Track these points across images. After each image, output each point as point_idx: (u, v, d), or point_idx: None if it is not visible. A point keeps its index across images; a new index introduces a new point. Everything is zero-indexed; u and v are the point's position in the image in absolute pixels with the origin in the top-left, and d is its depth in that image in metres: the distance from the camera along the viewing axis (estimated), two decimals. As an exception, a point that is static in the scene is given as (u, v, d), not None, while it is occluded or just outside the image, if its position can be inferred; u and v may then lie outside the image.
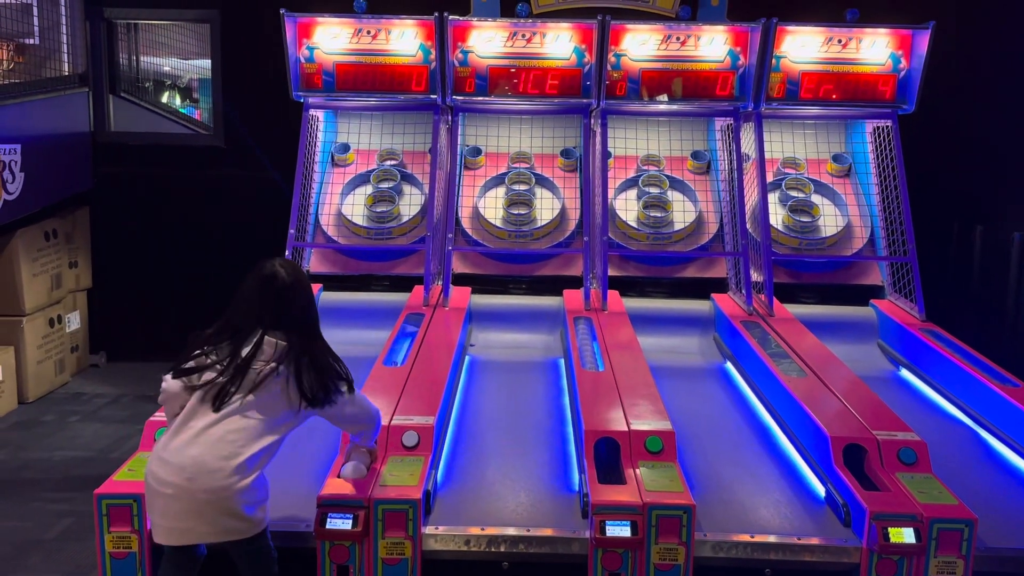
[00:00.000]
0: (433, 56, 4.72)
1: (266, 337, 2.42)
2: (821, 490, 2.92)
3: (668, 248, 4.84)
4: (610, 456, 2.89)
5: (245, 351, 2.40)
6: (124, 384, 5.47)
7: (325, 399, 2.47)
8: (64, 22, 5.46)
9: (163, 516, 2.38)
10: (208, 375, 2.41)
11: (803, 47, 4.71)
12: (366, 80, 4.79)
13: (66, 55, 5.49)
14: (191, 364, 2.43)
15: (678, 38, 4.72)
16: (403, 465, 2.77)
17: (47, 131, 5.22)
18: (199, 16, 5.72)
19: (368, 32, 4.73)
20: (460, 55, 4.74)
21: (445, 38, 4.65)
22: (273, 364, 2.40)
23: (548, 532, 2.67)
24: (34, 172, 4.96)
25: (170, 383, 2.45)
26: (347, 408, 2.56)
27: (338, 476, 2.69)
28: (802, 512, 2.84)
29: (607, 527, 2.52)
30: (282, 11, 4.64)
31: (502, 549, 2.66)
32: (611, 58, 4.70)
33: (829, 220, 4.86)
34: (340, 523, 2.52)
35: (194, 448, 2.35)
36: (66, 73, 5.49)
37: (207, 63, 6.51)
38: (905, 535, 2.52)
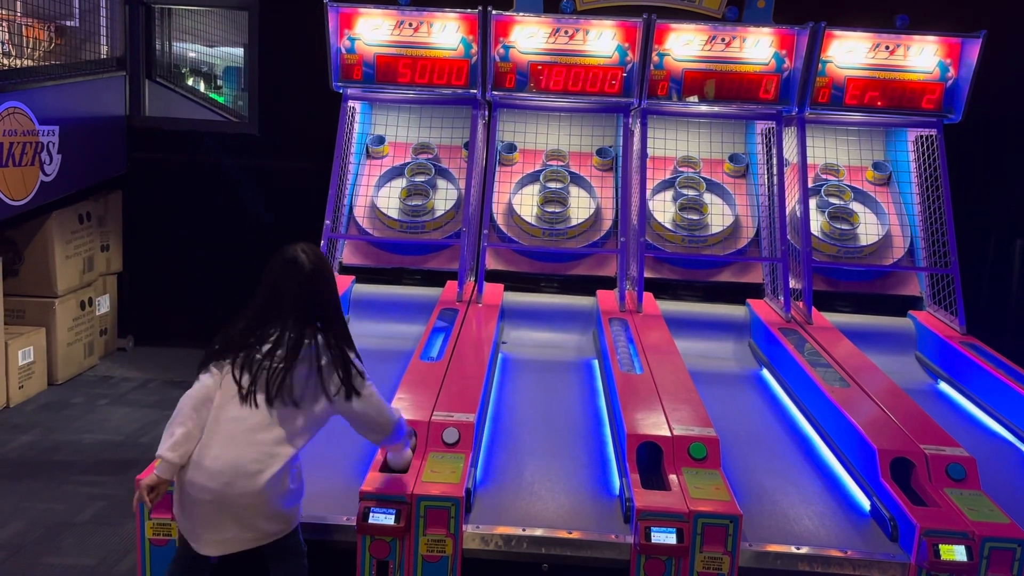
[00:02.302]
0: (474, 50, 4.69)
1: (296, 328, 2.37)
2: (866, 503, 2.87)
3: (704, 251, 4.80)
4: (651, 461, 2.85)
5: (276, 346, 2.35)
6: (151, 369, 5.48)
7: (353, 392, 2.41)
8: (103, 5, 5.47)
9: (204, 526, 2.33)
10: (238, 372, 2.36)
11: (850, 52, 4.65)
12: (406, 73, 4.76)
13: (104, 38, 5.50)
14: (220, 357, 2.39)
15: (723, 39, 4.67)
16: (444, 462, 2.74)
17: (84, 114, 5.23)
18: (238, 3, 5.71)
19: (410, 24, 4.71)
20: (501, 50, 4.70)
21: (487, 32, 4.61)
22: (306, 358, 2.36)
23: (590, 536, 2.63)
24: (71, 155, 4.97)
25: (204, 380, 2.39)
26: (368, 407, 2.46)
27: (379, 470, 2.66)
28: (847, 525, 2.79)
29: (652, 533, 2.48)
30: (325, 1, 4.62)
31: (542, 551, 2.62)
32: (654, 57, 4.65)
33: (868, 228, 4.80)
34: (383, 518, 2.49)
35: (230, 451, 2.31)
36: (104, 56, 5.50)
37: (232, 51, 6.53)
38: (956, 553, 2.47)
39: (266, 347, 2.36)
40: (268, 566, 2.46)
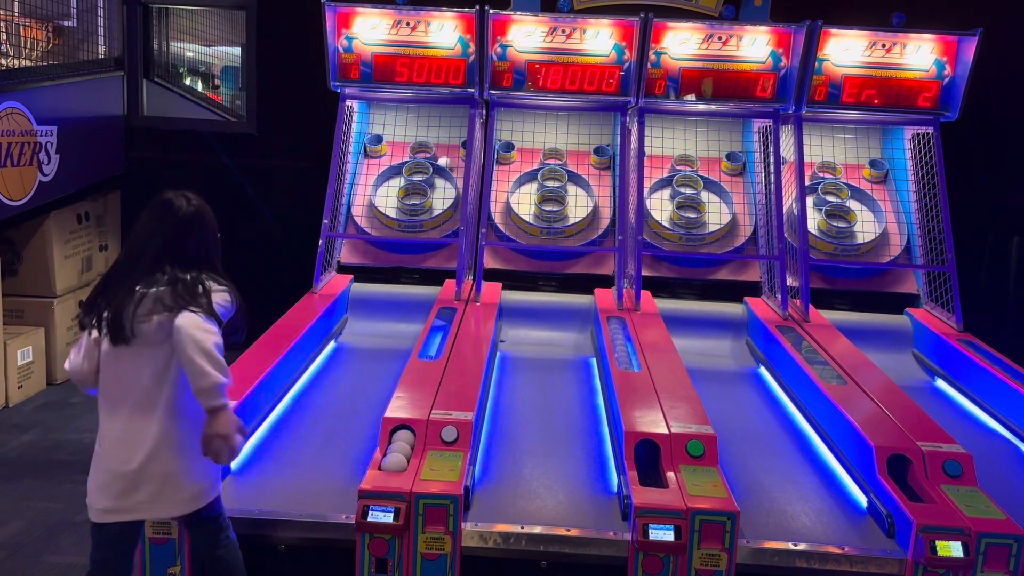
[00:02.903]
0: (471, 49, 4.70)
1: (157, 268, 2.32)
2: (863, 500, 2.88)
3: (701, 249, 4.81)
4: (648, 458, 2.87)
5: (124, 293, 2.30)
6: (150, 368, 5.47)
7: (174, 306, 2.29)
8: (101, 5, 5.48)
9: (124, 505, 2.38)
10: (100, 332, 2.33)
11: (846, 50, 4.66)
12: (403, 72, 4.77)
13: (102, 38, 5.50)
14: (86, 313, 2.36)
15: (720, 38, 4.67)
16: (443, 460, 2.75)
17: (82, 114, 5.23)
18: (236, 3, 5.71)
19: (407, 24, 4.71)
20: (499, 49, 4.71)
21: (484, 32, 4.62)
22: (152, 292, 2.31)
23: (588, 533, 2.64)
24: (69, 155, 4.97)
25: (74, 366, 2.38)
26: (190, 333, 2.25)
27: (378, 468, 2.67)
28: (844, 521, 2.80)
29: (650, 530, 2.50)
30: (323, 0, 4.62)
31: (541, 548, 2.64)
32: (651, 56, 4.66)
33: (865, 226, 4.81)
34: (382, 516, 2.51)
35: (129, 452, 2.34)
36: (102, 56, 5.51)
37: (230, 50, 6.52)
38: (953, 549, 2.49)
39: (115, 296, 2.32)
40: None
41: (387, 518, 2.51)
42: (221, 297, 2.38)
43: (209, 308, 2.32)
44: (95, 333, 2.36)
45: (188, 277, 2.35)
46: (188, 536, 2.55)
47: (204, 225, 2.45)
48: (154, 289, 2.32)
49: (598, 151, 5.13)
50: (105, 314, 2.32)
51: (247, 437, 2.65)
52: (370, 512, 2.52)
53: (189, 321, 2.26)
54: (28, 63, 4.88)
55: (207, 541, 2.48)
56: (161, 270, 2.34)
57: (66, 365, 2.43)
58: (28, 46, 4.94)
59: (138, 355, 2.34)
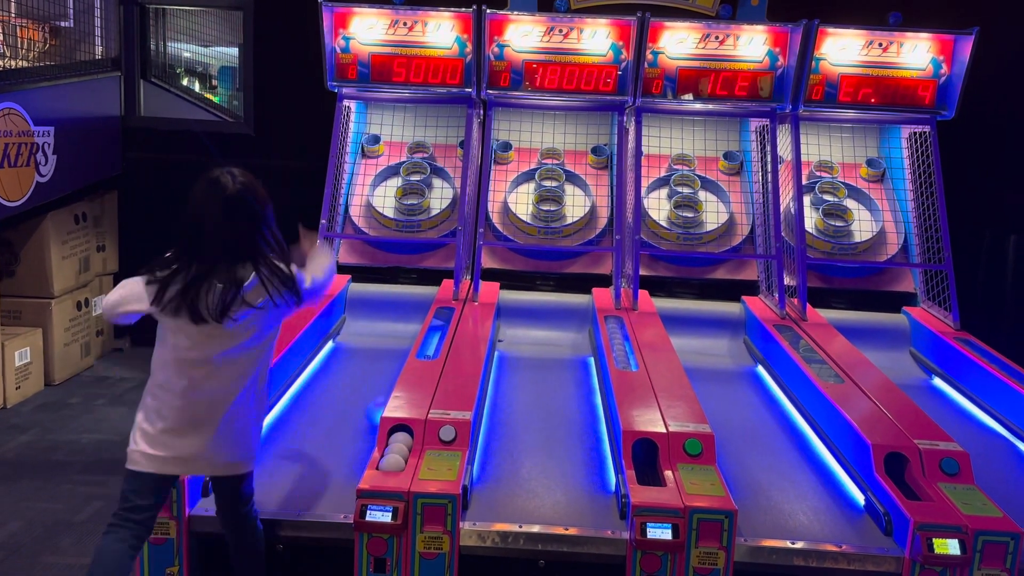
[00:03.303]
0: (469, 49, 4.70)
1: (231, 250, 2.37)
2: (860, 498, 2.89)
3: (699, 249, 4.81)
4: (646, 457, 2.87)
5: (207, 274, 2.34)
6: (147, 369, 5.42)
7: (291, 299, 2.44)
8: (98, 5, 5.47)
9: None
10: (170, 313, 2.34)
11: (843, 49, 4.67)
12: (401, 72, 4.77)
13: (99, 39, 5.49)
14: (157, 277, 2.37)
15: (717, 37, 4.68)
16: (441, 459, 2.75)
17: (79, 114, 5.22)
18: (233, 3, 5.71)
19: (404, 24, 4.72)
20: (496, 49, 4.72)
21: (482, 31, 4.62)
22: (233, 279, 2.35)
23: (586, 532, 2.65)
24: (66, 155, 4.97)
25: (135, 286, 2.38)
26: (314, 285, 2.52)
27: (376, 468, 2.68)
28: (841, 519, 2.81)
29: (648, 529, 2.50)
30: (320, 0, 4.62)
31: (539, 547, 2.64)
32: (648, 55, 4.66)
33: (863, 225, 4.82)
34: (380, 516, 2.51)
35: (198, 437, 2.38)
36: (99, 57, 5.50)
37: (227, 50, 6.51)
38: (950, 546, 2.49)
39: (196, 276, 2.35)
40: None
41: (385, 518, 2.51)
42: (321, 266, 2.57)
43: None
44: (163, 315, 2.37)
45: (265, 270, 2.40)
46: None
47: (257, 200, 2.46)
48: (240, 288, 2.35)
49: (595, 151, 5.13)
50: (185, 302, 2.33)
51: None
52: (368, 512, 2.52)
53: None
54: (25, 64, 4.87)
55: (234, 512, 2.53)
56: (233, 255, 2.37)
57: (113, 297, 2.41)
58: (25, 47, 4.93)
59: (224, 334, 2.37)
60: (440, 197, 4.93)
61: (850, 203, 4.92)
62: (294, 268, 2.48)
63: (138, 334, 5.91)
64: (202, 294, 2.33)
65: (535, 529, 2.65)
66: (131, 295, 2.39)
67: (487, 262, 4.80)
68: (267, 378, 2.52)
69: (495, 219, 4.88)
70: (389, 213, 4.86)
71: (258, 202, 2.43)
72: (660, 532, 2.50)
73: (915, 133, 4.87)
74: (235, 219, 2.38)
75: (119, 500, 2.39)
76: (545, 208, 4.84)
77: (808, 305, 4.46)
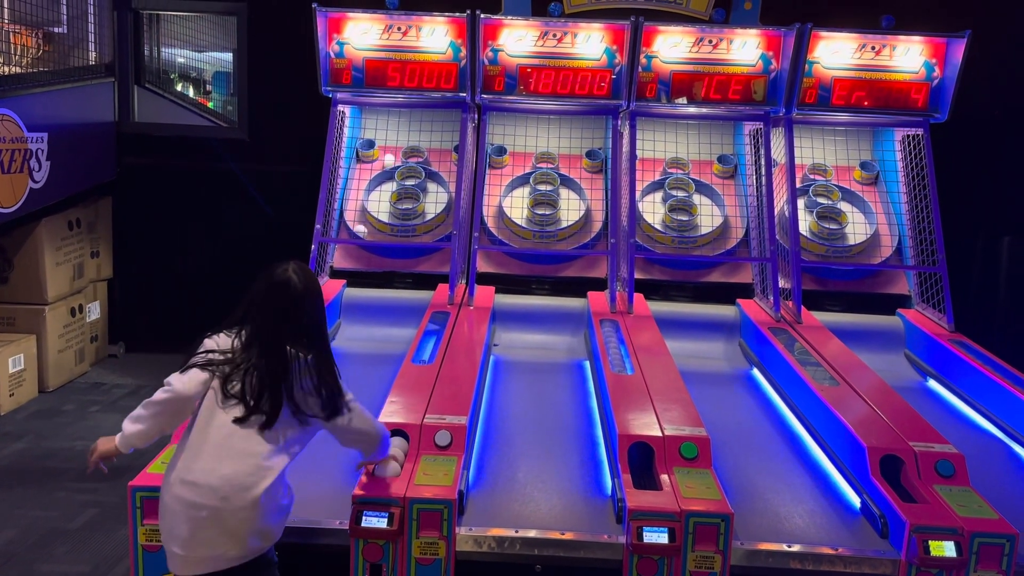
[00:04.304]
0: (463, 54, 4.71)
1: (288, 348, 2.35)
2: (856, 500, 2.89)
3: (693, 252, 4.82)
4: (642, 461, 2.87)
5: (266, 360, 2.33)
6: (142, 375, 5.47)
7: (336, 411, 2.41)
8: (92, 11, 5.46)
9: (189, 544, 2.27)
10: (228, 383, 2.33)
11: (836, 53, 4.68)
12: (395, 76, 4.78)
13: (93, 44, 5.48)
14: (211, 360, 2.36)
15: (710, 41, 4.69)
16: (436, 464, 2.75)
17: (73, 120, 5.22)
18: (226, 9, 5.71)
19: (399, 28, 4.72)
20: (490, 53, 4.72)
21: (476, 36, 4.63)
22: (295, 375, 2.34)
23: (583, 536, 2.64)
24: (60, 161, 4.96)
25: (185, 383, 2.34)
26: (354, 421, 2.46)
27: (372, 473, 2.67)
28: (837, 522, 2.81)
29: (644, 533, 2.50)
30: (314, 5, 4.63)
31: (535, 552, 2.64)
32: (642, 59, 4.67)
33: (857, 228, 4.83)
34: (376, 521, 2.50)
35: (223, 467, 2.27)
36: (92, 63, 5.49)
37: (221, 56, 6.51)
38: (946, 549, 2.50)
39: (256, 360, 2.34)
40: None
41: (381, 523, 2.50)
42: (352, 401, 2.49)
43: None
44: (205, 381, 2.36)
45: (322, 365, 2.38)
46: None
47: (319, 299, 2.46)
48: (292, 380, 2.34)
49: (590, 154, 5.14)
50: (242, 383, 2.32)
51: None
52: (364, 517, 2.51)
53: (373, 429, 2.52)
54: (18, 70, 4.87)
55: None
56: (287, 345, 2.36)
57: (176, 383, 2.36)
58: (18, 53, 4.92)
59: (263, 438, 2.33)
60: (435, 201, 4.93)
61: (844, 206, 4.93)
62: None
63: (132, 341, 5.91)
64: None
65: (531, 534, 2.65)
66: None
67: (482, 266, 4.79)
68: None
69: (490, 223, 4.88)
70: (384, 217, 4.86)
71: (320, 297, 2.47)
72: (656, 536, 2.50)
73: (908, 136, 4.89)
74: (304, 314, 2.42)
75: None
76: (540, 212, 4.85)
77: (803, 308, 4.46)
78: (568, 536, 2.64)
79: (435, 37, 4.72)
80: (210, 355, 2.38)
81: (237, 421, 2.31)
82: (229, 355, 2.37)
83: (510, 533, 2.64)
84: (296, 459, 2.42)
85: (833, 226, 4.82)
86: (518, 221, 4.84)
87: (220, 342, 2.41)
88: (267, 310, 2.38)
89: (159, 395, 2.37)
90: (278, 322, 2.37)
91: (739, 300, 4.68)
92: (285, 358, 2.34)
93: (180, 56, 6.45)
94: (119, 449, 2.43)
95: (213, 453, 2.29)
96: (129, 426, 2.40)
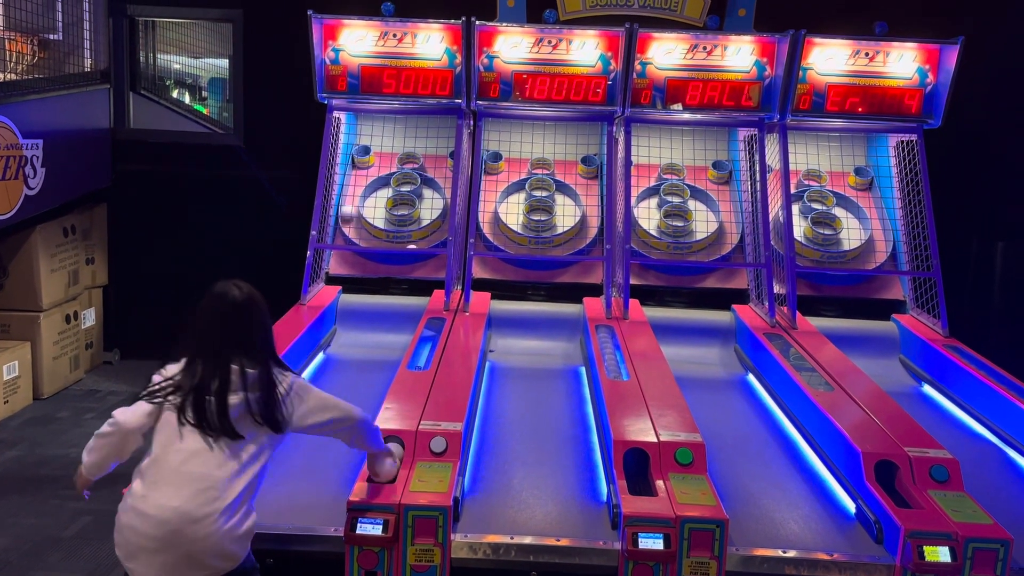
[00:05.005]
0: (458, 60, 4.72)
1: (231, 365, 2.34)
2: (851, 506, 2.89)
3: (689, 258, 4.83)
4: (638, 467, 2.87)
5: (212, 382, 2.31)
6: (137, 382, 5.43)
7: (277, 423, 2.37)
8: (87, 18, 5.47)
9: (149, 568, 2.26)
10: (179, 409, 2.31)
11: (830, 59, 4.70)
12: (391, 83, 4.78)
13: (88, 51, 5.49)
14: (157, 391, 2.35)
15: (704, 47, 4.71)
16: (431, 471, 2.74)
17: (68, 127, 5.21)
18: (222, 15, 5.71)
19: (394, 35, 4.73)
20: (485, 60, 4.73)
21: (471, 43, 4.64)
22: (241, 394, 2.32)
23: (578, 543, 2.64)
24: (55, 168, 4.95)
25: (127, 416, 2.34)
26: (313, 412, 2.41)
27: (366, 480, 2.66)
28: (832, 528, 2.81)
29: (640, 539, 2.50)
30: (310, 12, 4.63)
31: (531, 558, 2.63)
32: (637, 66, 4.69)
33: (851, 233, 4.85)
34: (371, 528, 2.50)
35: (175, 498, 2.23)
36: (88, 69, 5.49)
37: (217, 62, 6.52)
38: (940, 554, 2.50)
39: (199, 379, 2.33)
40: None
41: (376, 530, 2.50)
42: (303, 384, 2.47)
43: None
44: (164, 410, 2.34)
45: (268, 379, 2.37)
46: None
47: (262, 311, 2.45)
48: (241, 394, 2.32)
49: (585, 161, 5.15)
50: (193, 406, 2.31)
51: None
52: (359, 524, 2.51)
53: (346, 412, 2.46)
54: (13, 77, 4.87)
55: None
56: (232, 361, 2.34)
57: (120, 416, 2.36)
58: (13, 60, 4.92)
59: (215, 454, 2.31)
60: (431, 208, 4.94)
61: (838, 211, 4.94)
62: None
63: (127, 348, 5.89)
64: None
65: (527, 540, 2.65)
66: None
67: (478, 272, 4.80)
68: None
69: (486, 229, 4.88)
70: (379, 224, 4.86)
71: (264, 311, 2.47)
72: (652, 542, 2.50)
73: (902, 142, 4.91)
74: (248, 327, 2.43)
75: None
76: (535, 218, 4.85)
77: (798, 313, 4.47)
78: (564, 542, 2.64)
79: (430, 44, 4.73)
80: (156, 386, 2.37)
81: (193, 443, 2.29)
82: (175, 378, 2.36)
83: (505, 540, 2.64)
84: (266, 472, 2.39)
85: (828, 232, 4.83)
86: (514, 227, 4.84)
87: (167, 372, 2.41)
88: (208, 324, 2.38)
89: (105, 428, 2.38)
90: (219, 334, 2.36)
91: (734, 306, 4.69)
92: (227, 372, 2.33)
93: (176, 62, 6.45)
94: (87, 478, 2.44)
95: (169, 481, 2.27)
96: (85, 456, 2.42)
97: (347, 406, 2.50)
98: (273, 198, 5.62)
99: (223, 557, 2.29)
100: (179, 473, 2.27)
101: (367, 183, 5.05)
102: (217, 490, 2.26)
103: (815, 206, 4.94)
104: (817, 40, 4.66)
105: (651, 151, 5.08)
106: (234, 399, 2.33)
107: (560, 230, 4.85)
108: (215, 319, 2.39)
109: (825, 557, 2.64)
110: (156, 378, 2.41)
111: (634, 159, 4.93)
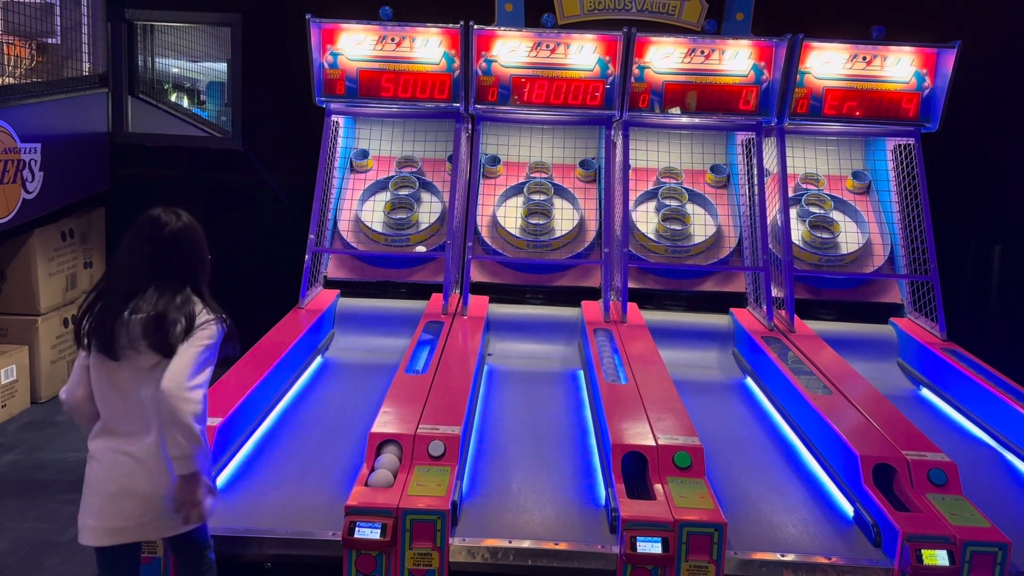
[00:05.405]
0: (457, 64, 4.72)
1: (148, 293, 2.32)
2: (849, 509, 2.89)
3: (687, 261, 4.83)
4: (636, 471, 2.87)
5: (111, 293, 2.31)
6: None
7: (162, 350, 2.30)
8: (85, 22, 5.46)
9: (102, 514, 2.35)
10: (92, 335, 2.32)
11: (827, 63, 4.71)
12: (389, 87, 4.79)
13: (86, 55, 5.49)
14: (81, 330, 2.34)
15: (702, 51, 4.72)
16: (430, 475, 2.74)
17: (67, 131, 5.21)
18: (221, 19, 5.72)
19: (392, 39, 4.74)
20: (484, 64, 4.74)
21: (469, 47, 4.65)
22: (138, 316, 2.30)
23: (576, 547, 2.64)
24: (53, 172, 4.95)
25: (67, 389, 2.39)
26: (172, 384, 2.26)
27: (365, 484, 2.66)
28: (831, 531, 2.81)
29: (638, 543, 2.50)
30: (308, 16, 4.64)
31: (529, 562, 2.63)
32: (635, 70, 4.70)
33: (849, 237, 4.85)
34: (368, 532, 2.50)
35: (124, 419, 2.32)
36: (86, 73, 5.50)
37: (216, 66, 6.52)
38: (939, 557, 2.50)
39: (100, 295, 2.34)
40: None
41: (374, 534, 2.50)
42: (206, 335, 2.33)
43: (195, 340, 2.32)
44: (83, 355, 2.36)
45: (176, 302, 2.33)
46: (173, 556, 2.54)
47: (193, 243, 2.43)
48: (141, 315, 2.30)
49: (583, 164, 5.15)
50: (92, 331, 2.31)
51: (217, 494, 2.61)
52: (357, 528, 2.51)
53: (173, 386, 2.24)
54: (12, 80, 4.87)
55: (191, 562, 2.48)
56: (146, 288, 2.33)
57: (62, 394, 2.43)
58: (12, 63, 4.93)
59: (131, 378, 2.33)
60: (429, 211, 4.94)
61: (836, 215, 4.95)
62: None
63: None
64: None
65: (525, 544, 2.65)
66: None
67: (476, 276, 4.80)
68: None
69: (484, 233, 4.89)
70: (378, 227, 4.86)
71: (197, 244, 2.47)
72: (650, 546, 2.50)
73: (900, 145, 4.92)
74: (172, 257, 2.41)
75: None
76: (534, 222, 4.86)
77: (796, 317, 4.48)
78: (562, 546, 2.64)
79: (429, 48, 4.74)
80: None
81: (98, 359, 2.31)
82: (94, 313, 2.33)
83: (504, 543, 2.64)
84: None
85: (825, 235, 4.84)
86: (512, 231, 4.85)
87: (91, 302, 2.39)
88: (127, 246, 2.38)
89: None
90: (146, 267, 2.34)
91: (732, 309, 4.69)
92: (147, 304, 2.29)
93: (174, 66, 6.45)
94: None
95: (101, 402, 2.34)
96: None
97: (191, 407, 2.26)
98: (280, 198, 5.62)
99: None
100: (109, 403, 2.34)
101: (365, 187, 5.05)
102: (144, 422, 2.33)
103: (813, 210, 4.94)
104: (815, 44, 4.67)
105: (649, 155, 5.08)
106: (133, 327, 2.29)
107: (558, 234, 4.85)
108: (130, 242, 2.38)
109: (823, 561, 2.64)
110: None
111: (632, 163, 4.94)
